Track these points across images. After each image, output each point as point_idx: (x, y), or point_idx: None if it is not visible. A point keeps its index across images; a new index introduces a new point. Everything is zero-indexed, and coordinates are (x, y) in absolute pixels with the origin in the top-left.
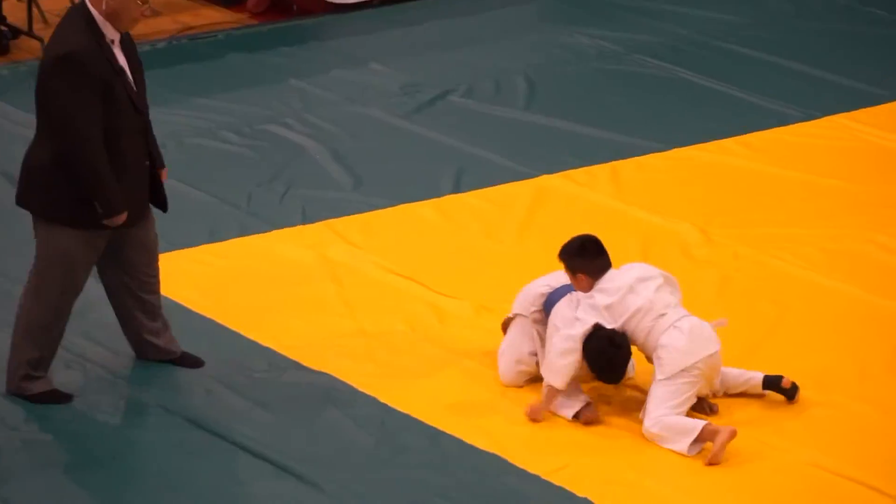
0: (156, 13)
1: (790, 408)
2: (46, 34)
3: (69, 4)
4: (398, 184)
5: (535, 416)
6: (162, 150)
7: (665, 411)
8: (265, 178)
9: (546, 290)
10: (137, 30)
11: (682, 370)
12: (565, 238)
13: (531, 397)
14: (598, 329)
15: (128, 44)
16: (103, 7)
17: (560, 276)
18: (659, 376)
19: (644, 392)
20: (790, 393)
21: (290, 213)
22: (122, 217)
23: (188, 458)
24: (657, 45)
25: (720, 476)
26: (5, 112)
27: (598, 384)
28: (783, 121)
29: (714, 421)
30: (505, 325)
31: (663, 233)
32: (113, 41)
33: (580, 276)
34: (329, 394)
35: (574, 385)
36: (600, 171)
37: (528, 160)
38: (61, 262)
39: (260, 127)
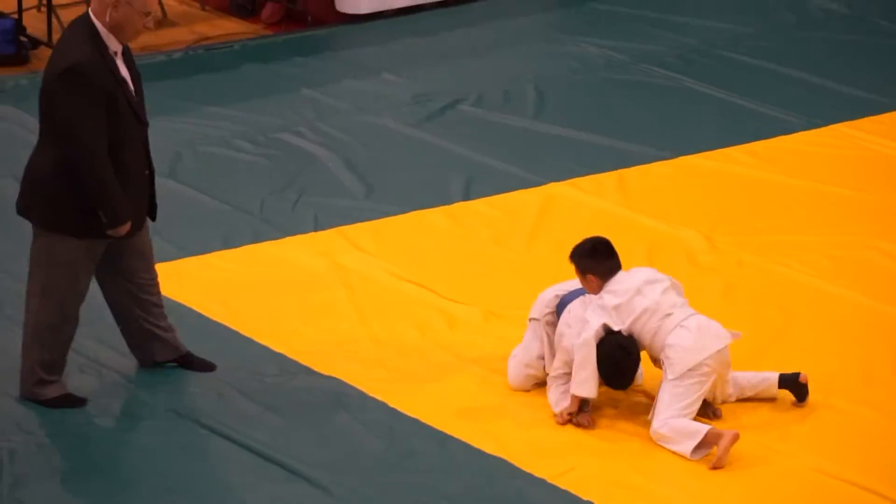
0: (169, 24)
1: (795, 413)
2: None
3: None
4: (409, 191)
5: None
6: (177, 158)
7: (674, 413)
8: (278, 186)
9: (561, 292)
10: (155, 40)
11: (691, 369)
12: (573, 244)
13: (538, 401)
14: (607, 335)
15: (128, 55)
16: (107, 19)
17: (575, 283)
18: (669, 376)
19: (652, 398)
20: (804, 392)
21: (302, 220)
22: (127, 227)
23: (200, 461)
24: (663, 54)
25: (725, 480)
26: (23, 121)
27: (606, 388)
28: (787, 129)
29: (719, 425)
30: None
31: (669, 240)
32: (116, 53)
33: (590, 276)
34: (339, 398)
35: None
36: (607, 178)
37: (536, 168)
38: (65, 270)
39: (273, 136)
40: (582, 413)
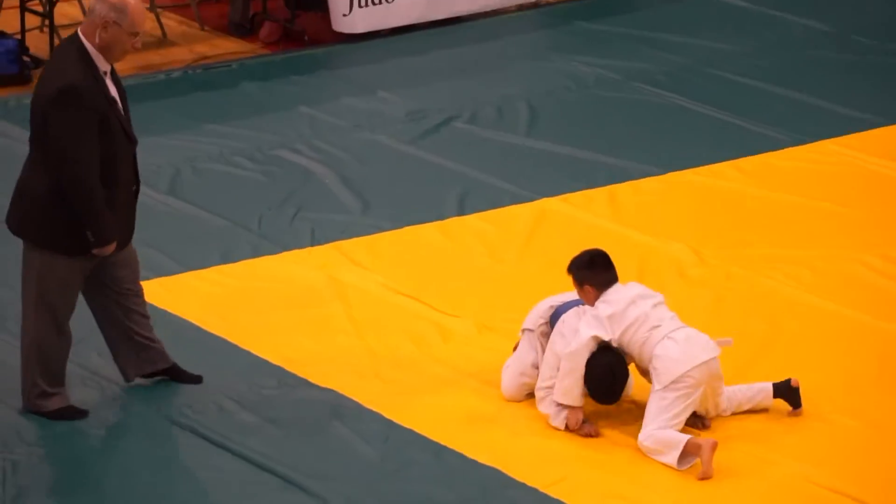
0: (169, 44)
1: (783, 423)
2: None
3: None
4: (404, 207)
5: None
6: (177, 175)
7: (660, 424)
8: (276, 202)
9: (556, 303)
10: (154, 60)
11: (675, 379)
12: (565, 258)
13: (531, 412)
14: (596, 354)
15: (114, 74)
16: (96, 41)
17: (569, 295)
18: (656, 386)
19: (642, 407)
20: (797, 397)
21: (299, 235)
22: (112, 247)
23: (200, 472)
24: (653, 72)
25: (715, 489)
26: (26, 139)
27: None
28: (774, 145)
29: (708, 435)
30: (517, 347)
31: (659, 254)
32: (105, 73)
33: (587, 287)
34: (336, 410)
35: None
36: (598, 194)
37: (529, 184)
38: (57, 286)
39: (271, 152)
40: (587, 423)
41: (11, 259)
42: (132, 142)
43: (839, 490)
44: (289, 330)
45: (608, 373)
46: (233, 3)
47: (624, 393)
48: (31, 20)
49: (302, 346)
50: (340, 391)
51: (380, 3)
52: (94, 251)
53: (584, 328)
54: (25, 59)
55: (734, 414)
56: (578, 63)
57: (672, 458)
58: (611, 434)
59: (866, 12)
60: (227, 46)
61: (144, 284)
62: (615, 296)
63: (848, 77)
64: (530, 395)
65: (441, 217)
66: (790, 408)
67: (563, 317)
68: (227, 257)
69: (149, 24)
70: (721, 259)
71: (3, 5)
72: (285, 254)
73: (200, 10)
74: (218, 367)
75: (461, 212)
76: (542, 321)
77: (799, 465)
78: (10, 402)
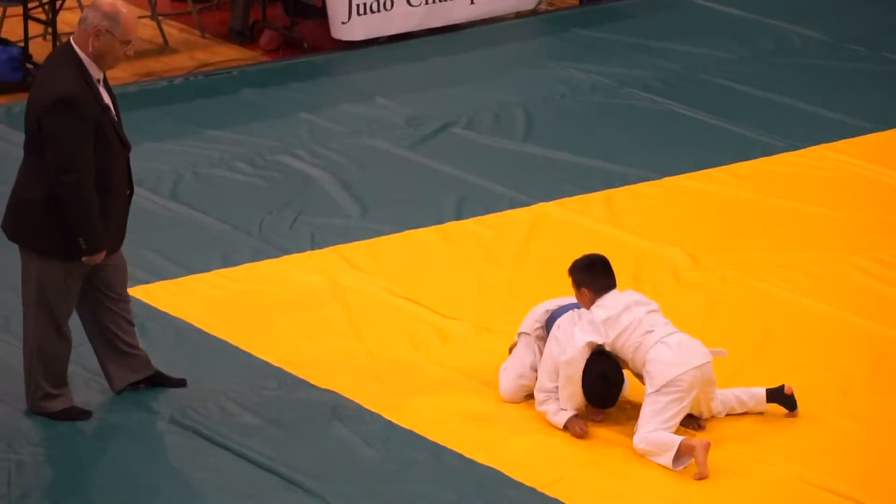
0: (171, 51)
1: (776, 424)
2: None
3: None
4: (403, 211)
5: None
6: (179, 180)
7: (654, 427)
8: (276, 206)
9: (551, 307)
10: (156, 67)
11: (668, 383)
12: (562, 262)
13: (529, 412)
14: (590, 362)
15: (105, 81)
16: (89, 49)
17: (565, 300)
18: (649, 390)
19: (639, 408)
20: (792, 402)
21: (299, 239)
22: (101, 256)
23: (202, 472)
24: (648, 79)
25: (711, 489)
26: None
27: None
28: (768, 151)
29: (703, 436)
30: (511, 349)
31: (654, 257)
32: (98, 80)
33: (583, 289)
34: (336, 411)
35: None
36: (594, 198)
37: (526, 188)
38: (55, 289)
39: (271, 158)
40: (580, 420)
41: (14, 263)
42: (126, 147)
43: (833, 490)
44: (289, 332)
45: (602, 380)
46: (233, 11)
47: (620, 395)
48: (35, 28)
49: (302, 348)
50: (341, 392)
51: (378, 10)
52: (84, 259)
53: (580, 334)
54: (29, 66)
55: (729, 416)
56: (574, 70)
57: (667, 459)
58: (608, 434)
59: (859, 20)
60: (228, 54)
61: (147, 288)
62: (611, 301)
63: (841, 84)
64: (528, 397)
65: (440, 221)
66: (785, 410)
67: (559, 321)
68: (229, 261)
69: (150, 31)
70: (716, 263)
71: (7, 13)
72: (286, 257)
73: (201, 18)
74: (219, 368)
75: (459, 216)
76: (538, 325)
77: (793, 466)
78: (15, 403)
